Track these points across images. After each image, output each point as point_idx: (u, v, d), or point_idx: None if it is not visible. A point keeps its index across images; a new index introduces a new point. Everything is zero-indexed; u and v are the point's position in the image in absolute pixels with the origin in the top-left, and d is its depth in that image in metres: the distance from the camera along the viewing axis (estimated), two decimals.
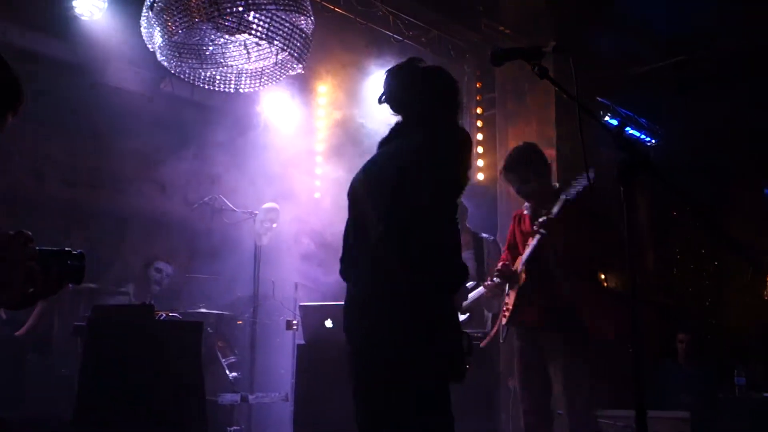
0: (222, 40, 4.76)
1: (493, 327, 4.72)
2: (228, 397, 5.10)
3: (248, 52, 4.82)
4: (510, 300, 4.09)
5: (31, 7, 5.22)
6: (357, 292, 2.59)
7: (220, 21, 4.38)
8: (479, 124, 7.23)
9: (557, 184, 4.34)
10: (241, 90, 5.08)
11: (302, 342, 5.05)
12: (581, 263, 3.97)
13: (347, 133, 6.74)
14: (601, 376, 5.82)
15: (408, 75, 2.79)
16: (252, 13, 4.35)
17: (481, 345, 4.60)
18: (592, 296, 4.02)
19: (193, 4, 4.13)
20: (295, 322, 5.39)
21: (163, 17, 4.30)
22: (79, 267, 1.90)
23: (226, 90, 5.05)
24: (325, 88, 7.28)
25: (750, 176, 8.98)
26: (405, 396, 2.49)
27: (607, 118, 7.51)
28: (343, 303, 2.64)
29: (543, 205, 4.01)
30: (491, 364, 5.01)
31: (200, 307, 5.48)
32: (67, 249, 1.92)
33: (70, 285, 1.98)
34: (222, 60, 4.87)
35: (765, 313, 8.89)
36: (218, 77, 4.97)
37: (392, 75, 2.82)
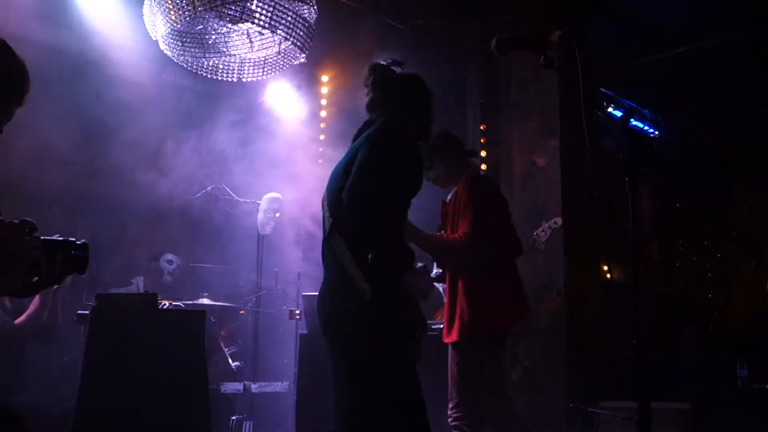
0: (225, 29, 4.75)
1: None
2: (231, 386, 5.11)
3: (251, 42, 4.81)
4: None
5: None
6: (323, 278, 2.83)
7: (223, 10, 4.36)
8: (482, 114, 7.21)
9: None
10: (243, 79, 5.07)
11: (305, 332, 5.06)
12: None
13: (351, 123, 6.72)
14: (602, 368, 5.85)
15: (380, 80, 2.97)
16: (255, 1, 4.34)
17: None
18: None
19: None
20: (297, 311, 5.40)
21: (165, 6, 4.29)
22: (83, 257, 1.91)
23: (229, 79, 5.05)
24: (328, 78, 7.26)
25: (753, 168, 8.96)
26: (355, 375, 2.75)
27: (611, 109, 7.49)
28: None
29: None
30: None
31: (203, 297, 5.49)
32: (71, 239, 1.92)
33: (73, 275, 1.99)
34: (225, 49, 4.86)
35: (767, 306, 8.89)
36: (221, 66, 4.97)
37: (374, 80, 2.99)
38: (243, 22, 4.51)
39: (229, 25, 4.69)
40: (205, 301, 5.44)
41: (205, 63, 4.93)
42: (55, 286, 4.30)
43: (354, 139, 2.95)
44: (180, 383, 3.96)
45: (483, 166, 7.13)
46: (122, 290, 5.50)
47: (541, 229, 4.66)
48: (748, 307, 8.69)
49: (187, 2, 4.18)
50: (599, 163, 3.88)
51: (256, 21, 4.40)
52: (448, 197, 4.08)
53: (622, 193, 2.33)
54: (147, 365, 3.85)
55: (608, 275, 4.85)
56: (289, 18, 4.48)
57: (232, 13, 4.39)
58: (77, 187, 5.76)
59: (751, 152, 8.63)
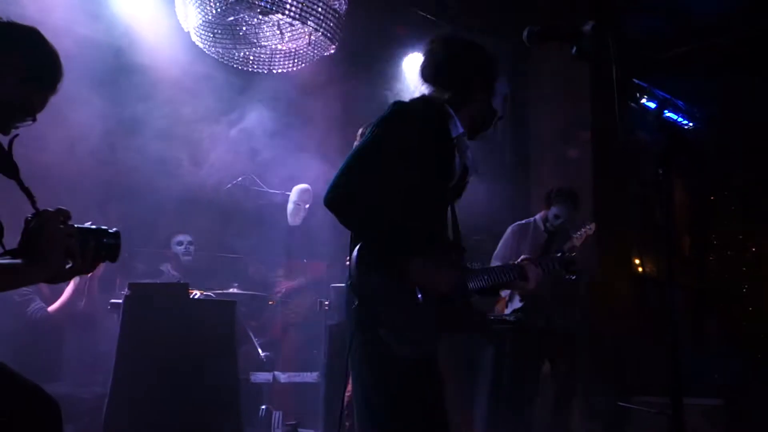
0: (256, 20, 4.76)
1: None
2: (260, 376, 5.15)
3: (282, 33, 4.82)
4: None
5: None
6: None
7: (254, 1, 4.37)
8: (513, 105, 7.17)
9: None
10: (274, 71, 5.08)
11: (333, 322, 5.07)
12: None
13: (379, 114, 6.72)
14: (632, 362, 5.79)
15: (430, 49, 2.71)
16: None
17: None
18: None
19: None
20: (326, 302, 5.41)
21: None
22: (115, 245, 1.94)
23: (260, 71, 5.06)
24: (356, 69, 7.24)
25: None
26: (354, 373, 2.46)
27: (644, 101, 7.39)
28: None
29: None
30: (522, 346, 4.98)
31: (234, 287, 5.52)
32: (103, 227, 1.95)
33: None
34: (255, 40, 4.87)
35: None
36: (252, 58, 4.98)
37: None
38: (274, 13, 4.52)
39: (260, 17, 4.70)
40: (235, 290, 5.47)
41: (236, 54, 4.95)
42: (89, 275, 4.37)
43: None
44: (210, 372, 4.00)
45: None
46: (154, 278, 5.55)
47: (576, 234, 4.66)
48: None
49: None
50: (632, 154, 3.85)
51: (287, 12, 4.41)
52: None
53: (656, 185, 2.30)
54: (178, 353, 3.90)
55: (640, 269, 4.80)
56: (320, 9, 4.48)
57: (263, 4, 4.40)
58: (111, 177, 5.84)
59: None
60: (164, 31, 5.55)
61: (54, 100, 2.15)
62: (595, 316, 5.85)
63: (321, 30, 4.58)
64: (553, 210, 5.07)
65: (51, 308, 4.38)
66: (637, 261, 6.69)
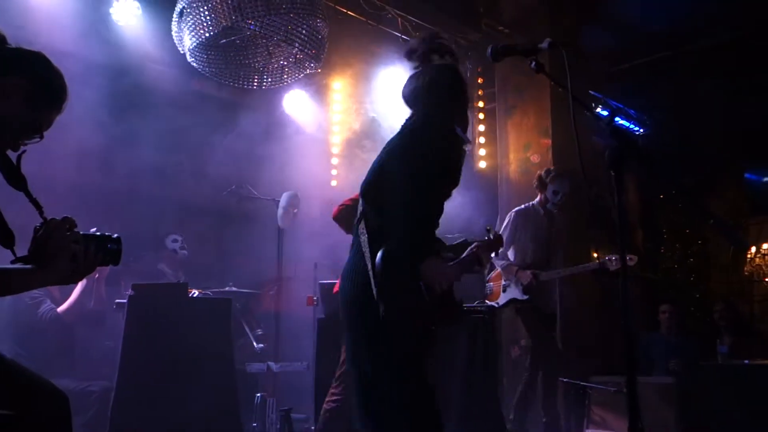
0: (245, 42, 4.76)
1: None
2: (255, 366, 5.13)
3: (270, 53, 4.82)
4: None
5: (73, 14, 5.24)
6: (347, 260, 2.68)
7: (243, 25, 4.37)
8: (481, 116, 7.21)
9: None
10: (263, 87, 5.09)
11: (322, 316, 5.08)
12: None
13: (360, 126, 6.75)
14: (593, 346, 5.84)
15: (415, 74, 2.79)
16: (273, 17, 4.34)
17: None
18: None
19: (218, 10, 4.13)
20: (315, 298, 5.41)
21: (191, 22, 4.30)
22: (117, 250, 1.94)
23: (250, 87, 5.06)
24: (339, 85, 7.27)
25: (731, 161, 8.91)
26: (370, 353, 2.55)
27: (598, 110, 7.46)
28: None
29: None
30: (491, 332, 4.99)
31: (229, 286, 5.51)
32: (107, 234, 1.95)
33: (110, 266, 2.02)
34: (246, 60, 4.87)
35: (744, 289, 8.86)
36: (242, 75, 4.98)
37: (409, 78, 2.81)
38: (262, 37, 4.53)
39: (249, 39, 4.71)
40: (232, 289, 5.46)
41: (228, 73, 4.95)
42: (96, 276, 4.35)
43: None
44: (209, 364, 3.99)
45: (482, 164, 7.14)
46: (155, 279, 5.52)
47: (615, 258, 4.68)
48: (727, 289, 8.66)
49: (212, 19, 4.19)
50: (588, 159, 3.88)
51: (275, 37, 4.42)
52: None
53: (610, 186, 2.33)
54: (179, 348, 3.89)
55: (598, 260, 4.85)
56: (304, 32, 4.49)
57: (252, 28, 4.41)
58: (114, 187, 5.80)
59: (729, 147, 8.58)
60: (162, 53, 5.53)
61: (60, 117, 2.14)
62: (562, 305, 5.89)
63: (306, 50, 4.60)
64: (551, 188, 5.04)
65: (60, 309, 4.34)
66: (595, 255, 6.74)
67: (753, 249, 9.18)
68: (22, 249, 1.89)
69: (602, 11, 6.60)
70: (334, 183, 7.32)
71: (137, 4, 5.49)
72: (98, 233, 1.95)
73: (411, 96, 2.74)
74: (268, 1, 4.14)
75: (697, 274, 8.96)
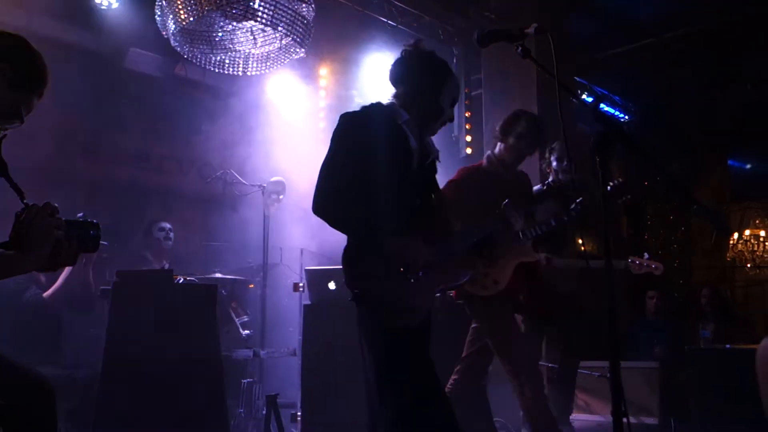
0: (230, 26, 4.71)
1: None
2: (241, 353, 5.13)
3: (254, 38, 4.78)
4: (497, 274, 3.78)
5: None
6: None
7: (228, 9, 4.33)
8: (467, 103, 7.20)
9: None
10: (248, 73, 5.04)
11: (308, 302, 5.08)
12: None
13: (346, 110, 6.71)
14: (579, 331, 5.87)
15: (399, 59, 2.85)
16: (257, 1, 4.30)
17: None
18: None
19: None
20: (301, 284, 5.41)
21: (175, 6, 4.25)
22: (98, 236, 1.93)
23: (235, 73, 5.02)
24: (326, 71, 7.22)
25: (716, 148, 8.98)
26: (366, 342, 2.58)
27: (584, 96, 7.47)
28: None
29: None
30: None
31: (215, 272, 5.49)
32: (88, 220, 1.93)
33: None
34: (230, 45, 4.82)
35: (726, 274, 8.95)
36: (227, 61, 4.93)
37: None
38: (247, 21, 4.48)
39: (234, 23, 4.66)
40: (217, 275, 5.44)
41: (213, 58, 4.90)
42: (84, 260, 4.33)
43: None
44: (195, 351, 3.97)
45: (468, 150, 7.13)
46: (140, 265, 5.49)
47: (639, 261, 4.50)
48: (710, 274, 8.75)
49: (195, 3, 4.15)
50: (573, 145, 3.88)
51: (259, 19, 4.38)
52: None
53: (594, 171, 2.33)
54: (164, 335, 3.86)
55: (582, 248, 4.84)
56: (289, 16, 4.45)
57: (236, 12, 4.36)
58: (98, 173, 5.75)
59: (713, 134, 8.64)
60: (146, 38, 5.47)
61: (43, 102, 2.11)
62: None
63: (291, 35, 4.56)
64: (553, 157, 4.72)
65: (46, 294, 4.31)
66: (579, 240, 6.77)
67: (735, 235, 9.28)
68: (2, 235, 1.87)
69: None
70: None
71: None
72: (80, 219, 1.93)
73: (389, 75, 2.85)
74: None
75: (681, 260, 9.04)
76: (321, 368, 4.71)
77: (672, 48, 7.04)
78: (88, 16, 5.42)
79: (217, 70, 4.99)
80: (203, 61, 4.90)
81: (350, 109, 2.72)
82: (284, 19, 4.42)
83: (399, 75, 2.80)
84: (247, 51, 4.88)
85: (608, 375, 2.51)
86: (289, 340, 5.83)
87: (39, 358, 3.65)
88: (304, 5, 4.52)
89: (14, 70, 1.99)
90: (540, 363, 4.62)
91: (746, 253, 9.25)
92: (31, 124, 2.07)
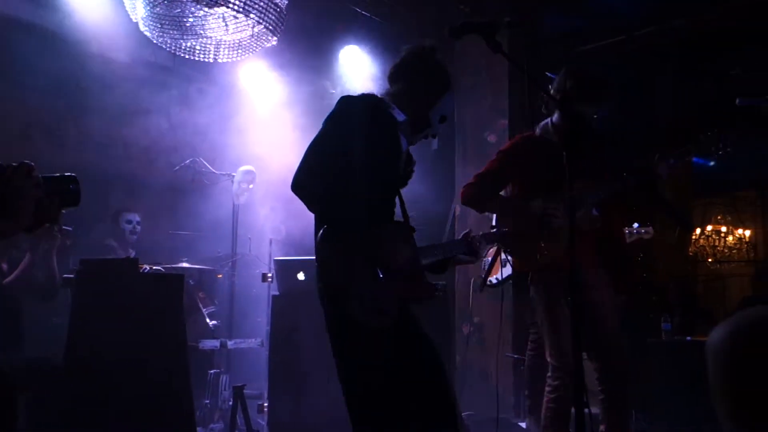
0: (201, 12, 4.62)
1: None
2: (208, 343, 5.08)
3: (226, 25, 4.70)
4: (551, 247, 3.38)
5: None
6: None
7: None
8: None
9: None
10: (219, 60, 4.97)
11: (277, 293, 5.05)
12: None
13: (319, 102, 6.66)
14: None
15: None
16: None
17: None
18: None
19: None
20: (270, 275, 5.37)
21: None
22: (78, 190, 1.88)
23: (206, 60, 4.94)
24: (299, 60, 7.15)
25: (680, 145, 9.10)
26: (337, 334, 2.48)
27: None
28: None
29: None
30: (446, 309, 5.02)
31: (182, 262, 5.42)
32: (66, 174, 1.88)
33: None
34: (201, 31, 4.73)
35: (688, 269, 9.12)
36: (198, 48, 4.85)
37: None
38: (218, 6, 4.40)
39: (206, 9, 4.58)
40: (185, 264, 5.38)
41: (183, 44, 4.81)
42: (48, 246, 4.23)
43: None
44: (160, 341, 3.91)
45: (438, 144, 7.12)
46: (104, 254, 5.39)
47: (628, 230, 4.46)
48: (672, 268, 8.90)
49: None
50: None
51: (231, 5, 4.31)
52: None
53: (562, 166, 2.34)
54: (129, 325, 3.79)
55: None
56: (262, 3, 4.39)
57: None
58: (63, 158, 5.63)
59: (678, 131, 8.76)
60: (115, 22, 5.35)
61: (7, 87, 2.04)
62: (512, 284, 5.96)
63: (263, 23, 4.50)
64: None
65: (7, 280, 4.20)
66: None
67: (698, 231, 9.46)
68: None
69: None
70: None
71: None
72: (57, 175, 1.88)
73: (389, 71, 2.76)
74: None
75: (645, 253, 9.17)
76: (289, 359, 4.68)
77: (641, 45, 7.11)
78: None
79: (187, 57, 4.91)
80: (173, 47, 4.82)
81: (348, 95, 2.59)
82: (257, 6, 4.36)
83: (399, 74, 2.71)
84: (219, 38, 4.80)
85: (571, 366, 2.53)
86: (258, 330, 5.79)
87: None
88: None
89: None
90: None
91: (707, 248, 9.44)
92: None
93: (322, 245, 2.37)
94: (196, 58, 4.91)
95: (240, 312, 5.88)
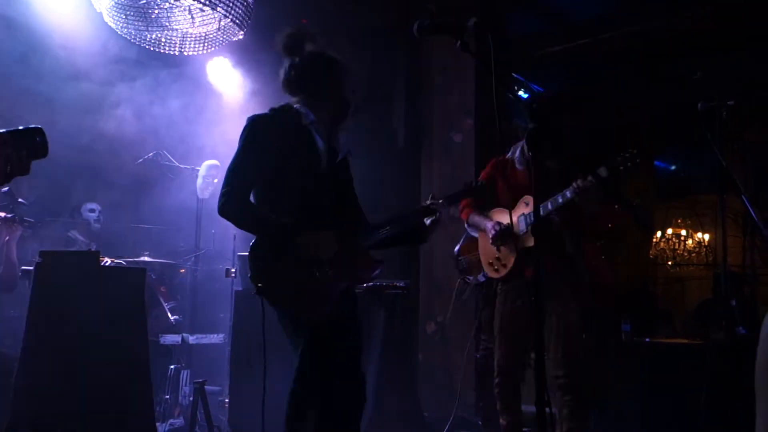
0: (167, 4, 4.57)
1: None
2: (170, 338, 5.04)
3: (192, 17, 4.66)
4: (504, 257, 3.69)
5: None
6: None
7: None
8: (404, 94, 7.21)
9: None
10: (185, 53, 4.92)
11: (239, 288, 5.03)
12: (584, 223, 3.83)
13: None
14: None
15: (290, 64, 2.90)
16: None
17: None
18: (591, 250, 3.89)
19: None
20: (233, 270, 5.34)
21: None
22: (44, 141, 1.87)
23: (171, 53, 4.89)
24: (265, 54, 7.10)
25: (643, 148, 9.28)
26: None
27: (520, 93, 7.59)
28: None
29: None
30: (409, 308, 5.04)
31: (144, 255, 5.37)
32: (30, 126, 1.87)
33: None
34: (167, 23, 4.68)
35: (648, 270, 9.30)
36: (163, 40, 4.80)
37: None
38: None
39: (172, 1, 4.53)
40: (146, 258, 5.32)
41: (148, 36, 4.76)
42: (7, 239, 4.17)
43: None
44: (120, 335, 3.88)
45: (405, 142, 7.16)
46: (65, 246, 5.31)
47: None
48: (633, 270, 9.06)
49: None
50: (508, 139, 3.95)
51: None
52: (517, 163, 3.79)
53: (527, 165, 2.39)
54: (89, 319, 3.75)
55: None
56: None
57: None
58: None
59: (640, 134, 8.93)
60: (77, 12, 5.26)
61: None
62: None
63: (230, 16, 4.47)
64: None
65: None
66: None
67: (658, 233, 9.64)
68: None
69: None
70: None
71: None
72: (22, 128, 1.86)
73: (286, 85, 2.88)
74: None
75: (607, 255, 9.32)
76: (250, 355, 4.66)
77: (605, 48, 7.23)
78: None
79: (152, 49, 4.86)
80: (138, 39, 4.76)
81: (255, 114, 2.80)
82: None
83: (295, 83, 2.83)
84: (184, 30, 4.76)
85: (531, 365, 2.58)
86: (221, 326, 5.76)
87: None
88: None
89: None
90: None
91: (668, 251, 9.62)
92: None
93: (253, 255, 2.57)
94: (161, 51, 4.86)
95: (203, 307, 5.84)
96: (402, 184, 6.35)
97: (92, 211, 5.54)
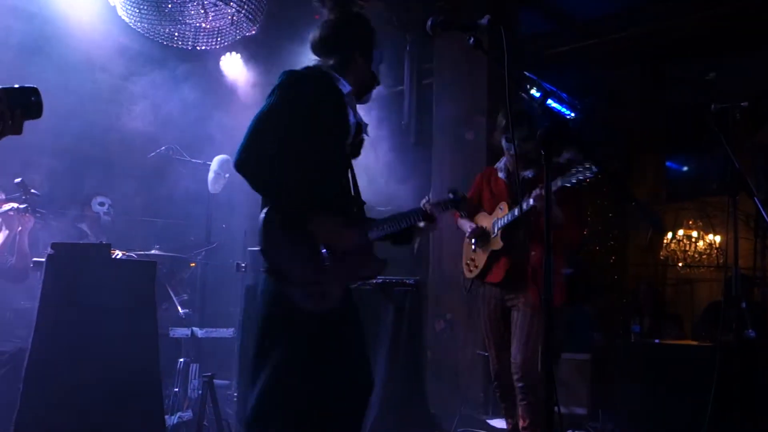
0: None
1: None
2: (179, 331, 5.05)
3: (205, 12, 4.66)
4: (478, 258, 4.03)
5: None
6: None
7: None
8: (417, 91, 7.20)
9: None
10: (198, 48, 4.93)
11: (250, 283, 5.03)
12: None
13: None
14: None
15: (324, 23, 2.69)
16: None
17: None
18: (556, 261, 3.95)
19: None
20: (243, 264, 5.34)
21: None
22: (40, 102, 1.86)
23: (184, 47, 4.90)
24: (278, 49, 7.11)
25: (655, 148, 9.23)
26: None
27: (532, 91, 7.56)
28: None
29: (523, 169, 3.94)
30: (418, 305, 5.01)
31: (155, 249, 5.38)
32: (26, 86, 1.85)
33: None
34: (180, 18, 4.69)
35: (658, 272, 9.24)
36: (176, 34, 4.81)
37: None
38: None
39: None
40: (157, 252, 5.34)
41: (162, 30, 4.77)
42: (20, 228, 4.19)
43: None
44: (130, 328, 3.88)
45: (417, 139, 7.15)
46: (76, 238, 5.33)
47: None
48: (643, 271, 9.01)
49: None
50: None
51: None
52: (499, 173, 4.14)
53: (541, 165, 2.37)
54: (99, 311, 3.76)
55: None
56: None
57: None
58: (36, 141, 5.55)
59: (652, 134, 8.88)
60: (92, 7, 5.29)
61: None
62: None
63: (243, 11, 4.47)
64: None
65: None
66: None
67: (669, 235, 9.58)
68: None
69: None
70: None
71: None
72: (17, 87, 1.84)
73: (319, 45, 2.65)
74: None
75: (617, 256, 9.28)
76: None
77: (617, 48, 7.19)
78: None
79: (165, 43, 4.86)
80: (151, 33, 4.77)
81: (292, 69, 2.51)
82: None
83: (332, 43, 2.61)
84: (197, 25, 4.76)
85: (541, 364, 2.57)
86: (230, 320, 5.76)
87: None
88: None
89: None
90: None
91: (678, 253, 9.55)
92: None
93: (265, 229, 2.33)
94: (174, 45, 4.86)
95: (213, 302, 5.85)
96: (414, 181, 6.33)
97: (102, 204, 5.55)
